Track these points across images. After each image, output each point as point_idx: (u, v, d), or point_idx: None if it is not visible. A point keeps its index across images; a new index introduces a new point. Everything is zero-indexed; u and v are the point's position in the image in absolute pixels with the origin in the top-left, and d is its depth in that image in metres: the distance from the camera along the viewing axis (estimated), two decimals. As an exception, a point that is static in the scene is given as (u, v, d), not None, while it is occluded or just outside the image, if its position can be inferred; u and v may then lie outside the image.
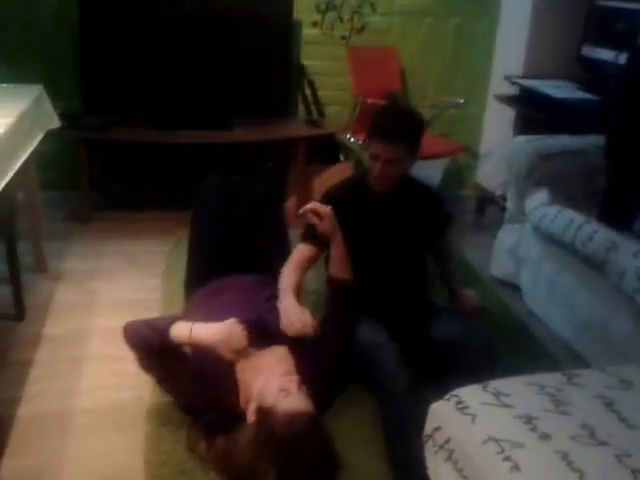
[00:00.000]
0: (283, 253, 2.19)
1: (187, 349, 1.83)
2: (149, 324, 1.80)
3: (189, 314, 2.02)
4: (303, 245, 2.12)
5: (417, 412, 1.60)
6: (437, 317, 2.08)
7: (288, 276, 2.05)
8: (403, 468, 1.67)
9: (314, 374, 1.81)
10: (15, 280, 2.34)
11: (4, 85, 2.44)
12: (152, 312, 2.42)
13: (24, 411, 1.90)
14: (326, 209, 2.02)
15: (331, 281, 2.06)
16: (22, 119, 2.18)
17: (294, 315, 1.88)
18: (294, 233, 3.06)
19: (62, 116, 2.69)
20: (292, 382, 1.69)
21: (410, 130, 2.03)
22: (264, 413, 1.63)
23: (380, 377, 1.81)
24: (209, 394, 1.77)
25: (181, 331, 1.77)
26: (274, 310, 1.97)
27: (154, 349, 1.76)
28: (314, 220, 2.02)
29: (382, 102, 3.28)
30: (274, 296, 2.03)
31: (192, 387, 1.78)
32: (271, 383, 1.70)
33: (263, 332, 1.88)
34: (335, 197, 2.13)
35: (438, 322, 2.05)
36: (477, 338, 1.94)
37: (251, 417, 1.66)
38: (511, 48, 3.61)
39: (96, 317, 2.42)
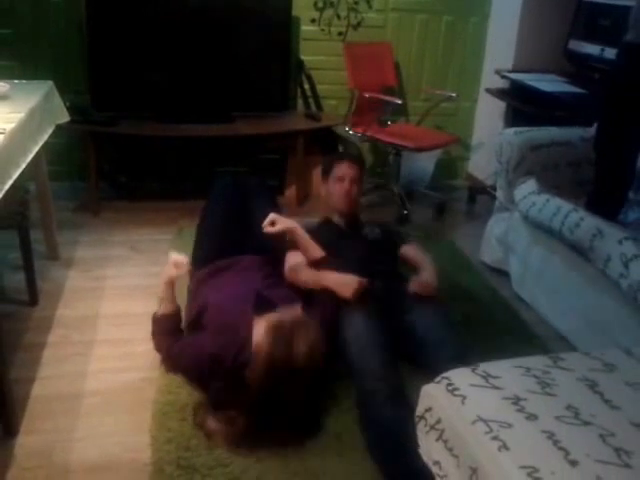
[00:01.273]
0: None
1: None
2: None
3: (194, 291, 2.14)
4: (291, 252, 2.24)
5: (398, 422, 1.63)
6: (414, 311, 2.04)
7: (304, 269, 2.16)
8: (387, 474, 1.62)
9: None
10: (29, 267, 2.34)
11: (16, 81, 2.41)
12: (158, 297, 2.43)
13: (37, 391, 1.90)
14: (272, 215, 2.17)
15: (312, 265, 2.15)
16: (33, 114, 2.15)
17: (343, 279, 2.02)
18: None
19: (71, 111, 2.67)
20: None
21: (361, 160, 2.54)
22: (275, 326, 1.68)
23: (362, 384, 1.79)
24: (230, 343, 1.82)
25: (159, 304, 2.05)
26: (272, 286, 2.05)
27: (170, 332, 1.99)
28: (270, 229, 2.14)
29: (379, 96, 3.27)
30: (271, 274, 2.13)
31: (212, 339, 1.85)
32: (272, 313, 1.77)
33: (264, 304, 1.93)
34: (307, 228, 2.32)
35: (416, 319, 2.01)
36: (450, 349, 1.85)
37: (258, 336, 1.71)
38: (502, 43, 3.57)
39: (105, 302, 2.42)
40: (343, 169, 2.35)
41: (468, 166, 4.09)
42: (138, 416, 1.81)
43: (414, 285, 2.09)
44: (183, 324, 2.06)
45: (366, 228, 2.45)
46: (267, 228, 2.14)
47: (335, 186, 2.36)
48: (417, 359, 1.91)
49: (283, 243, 2.24)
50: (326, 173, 2.42)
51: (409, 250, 2.39)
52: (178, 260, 2.02)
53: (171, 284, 2.01)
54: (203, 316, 1.97)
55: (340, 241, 2.36)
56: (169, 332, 1.98)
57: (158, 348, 2.01)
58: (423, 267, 2.25)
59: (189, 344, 1.92)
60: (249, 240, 2.29)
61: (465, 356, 1.80)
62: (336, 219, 2.43)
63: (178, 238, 2.90)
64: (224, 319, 1.90)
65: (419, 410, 1.30)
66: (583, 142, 2.64)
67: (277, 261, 2.24)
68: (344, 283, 2.01)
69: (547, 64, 3.38)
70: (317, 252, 2.15)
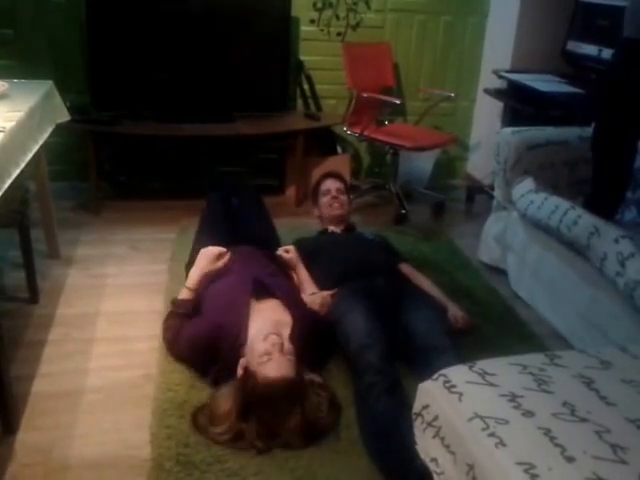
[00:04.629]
0: (269, 232, 2.54)
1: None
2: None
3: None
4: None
5: (394, 414, 1.64)
6: (415, 314, 2.05)
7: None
8: (384, 469, 1.61)
9: (304, 323, 1.89)
10: (29, 266, 2.33)
11: (15, 81, 2.40)
12: (158, 295, 2.43)
13: (38, 388, 1.90)
14: (290, 247, 2.37)
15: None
16: (32, 113, 2.14)
17: (312, 300, 2.14)
18: (291, 221, 3.09)
19: (71, 110, 2.66)
20: (275, 345, 1.72)
21: (341, 175, 2.81)
22: (247, 378, 1.69)
23: (360, 378, 1.79)
24: (226, 321, 1.86)
25: (181, 292, 2.11)
26: (270, 275, 2.12)
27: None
28: (283, 255, 2.32)
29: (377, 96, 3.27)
30: (269, 265, 2.19)
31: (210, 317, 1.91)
32: (257, 344, 1.74)
33: (262, 289, 2.00)
34: (302, 239, 2.56)
35: (417, 323, 2.01)
36: (450, 357, 1.80)
37: (240, 371, 1.73)
38: (499, 44, 3.57)
39: (105, 300, 2.41)
40: (327, 184, 2.66)
41: (466, 166, 4.09)
42: (138, 413, 1.80)
43: (454, 322, 2.18)
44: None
45: (364, 232, 2.64)
46: (281, 251, 2.33)
47: (323, 199, 2.63)
48: (415, 363, 1.91)
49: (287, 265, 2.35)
50: (314, 196, 2.70)
51: (407, 268, 2.47)
52: (221, 252, 2.15)
53: (207, 276, 2.10)
54: (202, 305, 2.03)
55: (339, 242, 2.48)
56: (183, 315, 2.04)
57: (167, 331, 2.05)
58: (436, 295, 2.32)
59: (191, 327, 1.96)
60: (243, 236, 2.36)
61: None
62: (332, 229, 2.60)
63: (180, 236, 2.90)
64: (221, 302, 1.95)
65: (416, 407, 1.30)
66: (579, 142, 2.64)
67: (274, 255, 2.31)
68: (313, 303, 2.11)
69: (544, 64, 3.37)
70: (310, 289, 2.24)
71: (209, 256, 2.13)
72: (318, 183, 2.72)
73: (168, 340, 2.04)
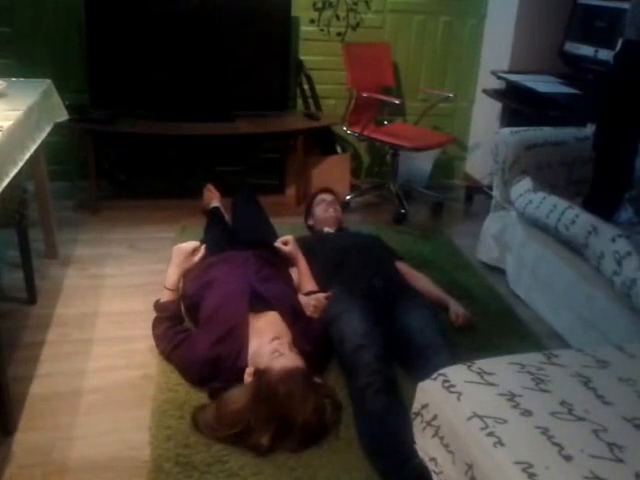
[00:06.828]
0: (266, 232, 2.56)
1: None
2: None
3: (190, 284, 2.15)
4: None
5: (390, 415, 1.64)
6: (410, 315, 2.05)
7: None
8: (382, 469, 1.61)
9: (304, 336, 1.91)
10: (27, 266, 2.33)
11: (13, 79, 2.40)
12: (157, 295, 2.40)
13: (36, 389, 1.89)
14: (290, 237, 2.36)
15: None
16: (31, 112, 2.14)
17: (306, 302, 2.13)
18: (292, 220, 3.09)
19: (70, 109, 2.66)
20: (283, 345, 1.77)
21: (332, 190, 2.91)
22: (261, 373, 1.69)
23: (356, 378, 1.79)
24: (223, 343, 1.84)
25: (163, 295, 2.09)
26: (264, 281, 2.09)
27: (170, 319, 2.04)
28: (282, 247, 2.31)
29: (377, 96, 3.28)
30: (262, 269, 2.16)
31: (208, 337, 1.87)
32: (264, 347, 1.78)
33: (257, 300, 1.98)
34: (300, 237, 2.55)
35: (413, 324, 2.01)
36: (445, 357, 1.80)
37: (247, 379, 1.72)
38: (498, 44, 3.58)
39: (104, 300, 2.41)
40: (321, 196, 2.81)
41: (465, 166, 4.10)
42: (137, 414, 1.80)
43: (457, 320, 2.24)
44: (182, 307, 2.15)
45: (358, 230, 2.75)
46: (279, 244, 2.32)
47: (317, 209, 2.76)
48: (410, 363, 1.91)
49: (284, 259, 2.34)
50: (308, 208, 2.83)
51: (403, 267, 2.48)
52: (195, 246, 2.16)
53: (183, 272, 2.12)
54: (199, 309, 2.02)
55: (336, 238, 2.54)
56: (170, 318, 2.04)
57: (159, 343, 2.03)
58: (436, 294, 2.36)
59: (188, 349, 1.91)
60: (240, 239, 2.40)
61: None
62: (327, 229, 2.68)
63: (180, 236, 2.89)
64: (221, 320, 1.92)
65: (415, 407, 1.30)
66: (577, 142, 2.65)
67: (269, 256, 2.29)
68: (307, 305, 2.11)
69: (542, 65, 3.38)
70: (310, 285, 2.23)
71: (183, 253, 2.15)
72: (312, 197, 2.85)
73: (162, 352, 2.01)
